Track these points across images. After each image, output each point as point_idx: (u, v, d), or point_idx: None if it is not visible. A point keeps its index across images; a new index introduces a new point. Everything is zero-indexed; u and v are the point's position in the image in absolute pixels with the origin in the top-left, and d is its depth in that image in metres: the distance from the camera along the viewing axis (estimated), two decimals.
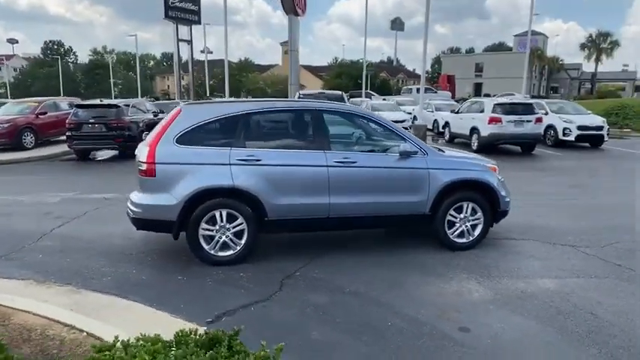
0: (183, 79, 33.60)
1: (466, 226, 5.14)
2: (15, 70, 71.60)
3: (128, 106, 13.40)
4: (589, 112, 16.01)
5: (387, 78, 67.54)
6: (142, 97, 42.11)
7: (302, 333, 3.37)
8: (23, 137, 14.01)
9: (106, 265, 4.66)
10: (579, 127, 14.41)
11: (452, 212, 5.08)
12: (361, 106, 18.37)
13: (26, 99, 18.08)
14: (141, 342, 1.80)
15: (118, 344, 1.82)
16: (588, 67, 60.87)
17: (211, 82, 48.98)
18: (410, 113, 19.79)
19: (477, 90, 54.53)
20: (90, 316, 3.45)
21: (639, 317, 3.67)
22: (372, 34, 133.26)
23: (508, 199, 5.31)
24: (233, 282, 4.29)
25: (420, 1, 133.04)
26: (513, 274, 4.57)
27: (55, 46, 79.08)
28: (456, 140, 15.41)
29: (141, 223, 4.66)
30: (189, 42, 33.62)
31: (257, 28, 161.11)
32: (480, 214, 5.15)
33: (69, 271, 4.53)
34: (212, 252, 4.59)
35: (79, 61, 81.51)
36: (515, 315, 3.75)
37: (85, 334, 3.01)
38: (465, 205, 5.09)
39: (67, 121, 12.79)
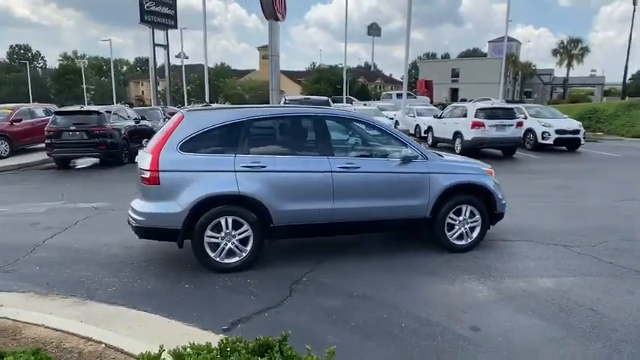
0: (158, 84, 33.09)
1: (465, 228, 5.27)
2: None
3: (109, 112, 13.14)
4: (565, 116, 16.60)
5: (365, 83, 68.23)
6: (116, 103, 41.28)
7: (319, 337, 3.39)
8: None
9: (108, 276, 4.57)
10: (557, 131, 14.93)
11: (451, 215, 5.20)
12: None
13: None
14: (188, 350, 1.79)
15: (165, 354, 1.81)
16: (559, 72, 63.09)
17: (188, 88, 48.46)
18: (392, 118, 20.07)
19: (454, 95, 55.70)
20: (100, 327, 3.39)
21: (636, 312, 3.85)
22: (349, 39, 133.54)
23: (504, 202, 5.47)
24: (241, 289, 4.28)
25: (395, 7, 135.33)
26: (513, 273, 4.72)
27: (22, 51, 76.89)
28: (439, 144, 15.70)
29: (144, 231, 4.60)
30: (166, 47, 33.21)
31: (233, 32, 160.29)
32: (478, 216, 5.29)
33: (70, 282, 4.43)
34: (218, 259, 4.56)
35: (48, 66, 79.46)
36: (520, 313, 3.87)
37: (103, 345, 2.96)
38: (463, 208, 5.22)
39: (45, 128, 12.43)
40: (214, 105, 19.19)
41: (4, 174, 11.84)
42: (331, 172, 4.72)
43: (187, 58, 48.35)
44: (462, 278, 4.59)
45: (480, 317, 3.78)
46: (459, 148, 13.80)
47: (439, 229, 5.18)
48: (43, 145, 12.93)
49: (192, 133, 4.53)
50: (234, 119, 4.68)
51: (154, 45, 30.96)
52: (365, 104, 27.83)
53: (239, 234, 4.57)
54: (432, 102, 35.35)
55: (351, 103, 29.00)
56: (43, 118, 16.33)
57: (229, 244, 4.57)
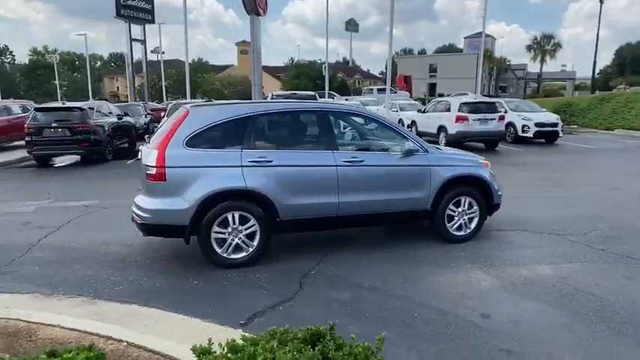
0: (135, 80, 32.37)
1: (464, 219, 5.40)
2: None
3: (92, 109, 12.83)
4: (544, 109, 17.07)
5: (344, 78, 68.37)
6: (92, 99, 40.16)
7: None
8: None
9: (113, 274, 4.49)
10: (537, 124, 15.37)
11: (451, 206, 5.32)
12: None
13: None
14: (241, 342, 1.80)
15: (215, 346, 1.82)
16: (533, 67, 64.62)
17: (165, 83, 47.55)
18: None
19: (432, 90, 56.42)
20: (118, 325, 3.34)
21: (635, 295, 4.04)
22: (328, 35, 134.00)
23: (500, 193, 5.63)
24: (251, 284, 4.28)
25: (371, 3, 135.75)
26: (513, 262, 4.87)
27: None
28: (423, 138, 15.88)
29: (150, 228, 4.54)
30: (143, 42, 32.50)
31: (209, 28, 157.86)
32: (476, 207, 5.42)
33: (74, 281, 4.34)
34: (225, 255, 4.55)
35: (16, 62, 76.54)
36: (525, 300, 4.01)
37: (125, 344, 2.93)
38: (462, 199, 5.35)
39: (25, 125, 12.06)
40: (199, 100, 18.90)
41: None
42: (336, 166, 4.76)
43: (164, 53, 47.37)
44: (465, 268, 4.71)
45: (488, 305, 3.90)
46: (444, 141, 14.04)
47: (439, 220, 5.30)
48: (21, 142, 12.53)
49: (198, 129, 4.49)
50: (240, 114, 4.66)
51: (131, 40, 30.27)
52: (347, 99, 27.89)
53: (246, 229, 4.56)
54: (411, 96, 35.74)
55: (333, 98, 29.02)
56: (19, 115, 15.84)
57: (236, 240, 4.56)
